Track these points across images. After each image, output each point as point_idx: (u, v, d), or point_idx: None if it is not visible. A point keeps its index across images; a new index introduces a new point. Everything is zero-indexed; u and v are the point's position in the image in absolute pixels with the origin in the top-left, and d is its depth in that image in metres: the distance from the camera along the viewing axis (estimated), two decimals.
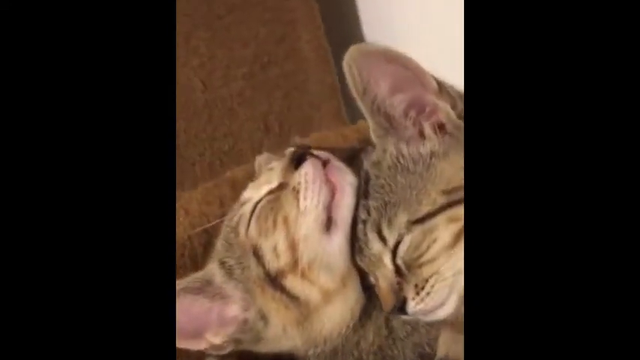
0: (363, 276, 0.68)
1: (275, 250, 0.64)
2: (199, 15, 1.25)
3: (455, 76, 0.66)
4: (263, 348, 0.67)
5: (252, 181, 0.77)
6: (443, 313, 0.64)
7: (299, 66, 1.34)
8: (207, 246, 0.73)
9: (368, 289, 0.68)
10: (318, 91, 1.35)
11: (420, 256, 0.62)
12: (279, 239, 0.63)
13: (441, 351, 0.66)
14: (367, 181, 0.66)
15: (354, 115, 1.41)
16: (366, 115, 0.66)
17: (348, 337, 0.66)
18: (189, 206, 0.80)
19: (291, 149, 0.78)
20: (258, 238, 0.65)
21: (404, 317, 0.66)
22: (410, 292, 0.63)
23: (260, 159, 0.80)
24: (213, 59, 1.26)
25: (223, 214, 0.77)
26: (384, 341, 0.67)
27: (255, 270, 0.65)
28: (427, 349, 0.67)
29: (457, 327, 0.66)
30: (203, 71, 1.24)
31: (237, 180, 0.80)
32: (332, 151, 0.79)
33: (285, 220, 0.63)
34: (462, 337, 0.66)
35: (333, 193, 0.64)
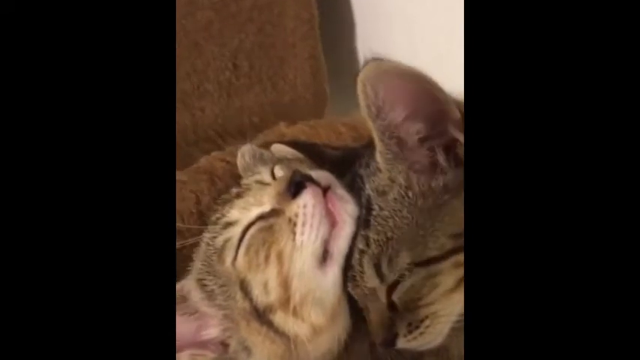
0: (351, 298, 0.64)
1: (266, 286, 0.58)
2: None
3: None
4: None
5: (232, 176, 0.69)
6: (430, 346, 0.63)
7: None
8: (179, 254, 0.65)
9: (356, 311, 0.64)
10: (294, 27, 1.21)
11: (419, 298, 0.59)
12: (271, 275, 0.57)
13: None
14: (369, 210, 0.60)
15: (331, 55, 1.31)
16: (376, 137, 0.58)
17: None
18: None
19: (280, 149, 0.70)
20: (248, 272, 0.58)
21: None
22: (402, 330, 0.60)
23: (243, 151, 0.71)
24: None
25: (200, 213, 0.69)
26: None
27: (240, 302, 0.59)
28: None
29: (441, 357, 0.65)
30: None
31: (215, 173, 0.71)
32: (323, 148, 0.72)
33: (279, 255, 0.57)
34: None
35: (332, 224, 0.58)
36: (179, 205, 0.68)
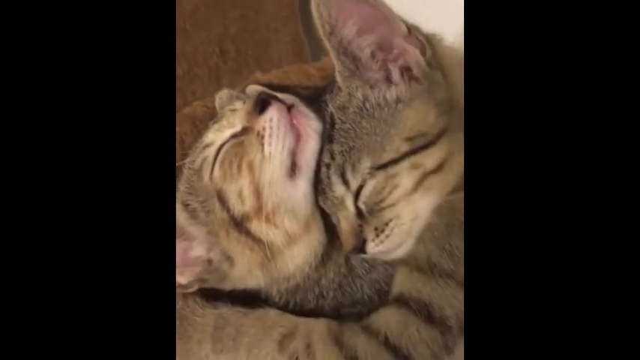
0: (325, 216, 0.69)
1: (240, 195, 0.63)
2: None
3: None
4: (228, 286, 0.69)
5: (213, 118, 0.75)
6: (399, 253, 0.67)
7: None
8: None
9: (329, 228, 0.69)
10: (275, 12, 1.29)
11: (382, 200, 0.64)
12: (244, 184, 0.63)
13: (396, 288, 0.69)
14: (332, 125, 0.66)
15: (312, 36, 1.38)
16: (332, 55, 0.64)
17: (309, 275, 0.69)
18: None
19: (254, 88, 0.76)
20: (223, 183, 0.64)
21: (362, 256, 0.68)
22: (370, 234, 0.65)
23: (221, 94, 0.77)
24: None
25: (184, 153, 0.75)
26: (343, 279, 0.69)
27: (219, 214, 0.65)
28: (384, 285, 0.70)
29: (411, 265, 0.69)
30: None
31: (197, 116, 0.77)
32: (295, 89, 0.77)
33: (250, 166, 0.63)
34: (416, 275, 0.69)
35: (297, 138, 0.63)
36: None
